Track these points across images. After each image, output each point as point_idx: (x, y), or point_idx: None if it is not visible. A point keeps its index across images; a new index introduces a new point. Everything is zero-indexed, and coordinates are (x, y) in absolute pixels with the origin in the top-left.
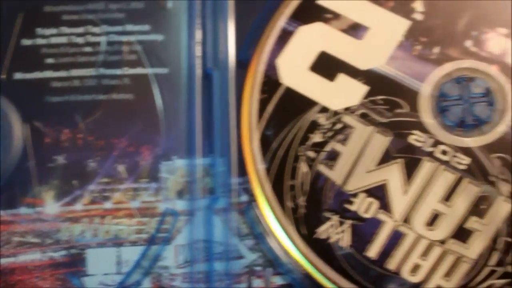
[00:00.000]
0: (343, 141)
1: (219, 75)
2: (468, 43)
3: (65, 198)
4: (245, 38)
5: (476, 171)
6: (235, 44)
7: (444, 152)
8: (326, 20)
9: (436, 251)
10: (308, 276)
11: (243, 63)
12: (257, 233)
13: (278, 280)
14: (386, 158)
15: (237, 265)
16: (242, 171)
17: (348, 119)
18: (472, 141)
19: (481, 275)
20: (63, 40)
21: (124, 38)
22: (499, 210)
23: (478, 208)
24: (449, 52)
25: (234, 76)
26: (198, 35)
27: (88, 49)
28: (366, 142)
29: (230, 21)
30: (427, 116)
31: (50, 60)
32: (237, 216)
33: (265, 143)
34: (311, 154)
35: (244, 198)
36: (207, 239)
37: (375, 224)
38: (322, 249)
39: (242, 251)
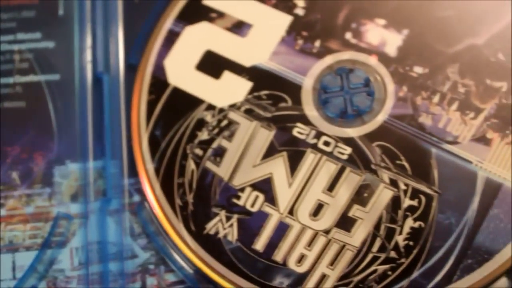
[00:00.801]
0: (229, 137)
1: (109, 79)
2: (348, 35)
3: None
4: (134, 41)
5: (358, 160)
6: (125, 48)
7: (326, 143)
8: (211, 20)
9: (321, 241)
10: (199, 272)
11: (133, 66)
12: (150, 232)
13: (170, 277)
14: (271, 152)
15: (131, 264)
16: (134, 172)
17: (233, 116)
18: (354, 131)
19: (365, 262)
20: None
21: (16, 47)
22: (381, 197)
23: (361, 196)
24: (330, 45)
25: (124, 79)
26: (89, 40)
27: None
28: (251, 137)
29: (119, 25)
30: (309, 108)
31: None
32: (130, 216)
33: (154, 143)
34: (198, 151)
35: (137, 198)
36: (101, 241)
37: (261, 217)
38: (211, 245)
39: (135, 251)
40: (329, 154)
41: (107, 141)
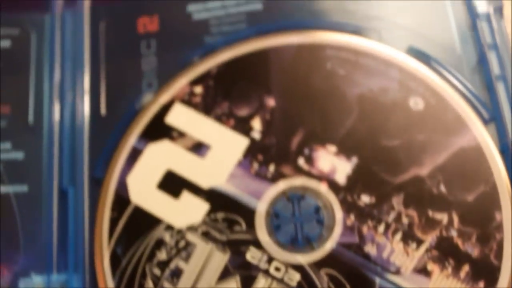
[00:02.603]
0: (186, 259)
1: (75, 192)
2: (301, 161)
3: None
4: (99, 155)
5: (306, 287)
6: (90, 162)
7: (277, 269)
8: (172, 138)
9: None
10: None
11: (97, 180)
12: None
13: None
14: (225, 275)
15: None
16: (96, 286)
17: (190, 237)
18: (303, 258)
19: None
20: None
21: None
22: None
23: None
24: (283, 170)
25: (88, 193)
26: (56, 152)
27: None
28: (207, 259)
29: (85, 138)
30: (262, 233)
31: None
32: None
33: (115, 260)
34: (157, 271)
35: None
36: None
37: None
38: None
39: None
40: (280, 280)
41: (70, 255)
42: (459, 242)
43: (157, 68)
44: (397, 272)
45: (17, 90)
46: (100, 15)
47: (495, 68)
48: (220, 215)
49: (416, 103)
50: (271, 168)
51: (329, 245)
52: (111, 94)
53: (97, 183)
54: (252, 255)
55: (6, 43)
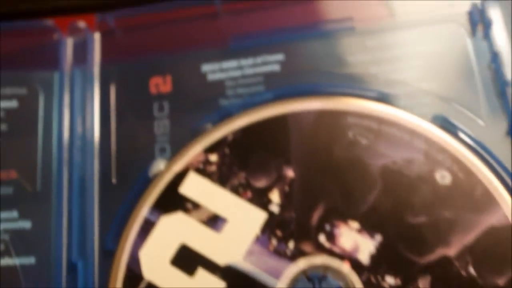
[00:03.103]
0: None
1: (84, 265)
2: (322, 238)
3: None
4: (110, 227)
5: None
6: (101, 233)
7: None
8: (186, 210)
9: None
10: None
11: (108, 253)
12: None
13: None
14: None
15: None
16: None
17: None
18: None
19: None
20: None
21: None
22: None
23: None
24: (304, 247)
25: (99, 266)
26: (65, 222)
27: None
28: None
29: (96, 208)
30: None
31: None
32: None
33: None
34: None
35: None
36: None
37: None
38: None
39: None
40: None
41: None
42: None
43: (170, 131)
44: None
45: (24, 154)
46: (110, 73)
47: None
48: None
49: (443, 177)
50: (291, 245)
51: None
52: (122, 159)
53: (107, 256)
54: None
55: (12, 104)
